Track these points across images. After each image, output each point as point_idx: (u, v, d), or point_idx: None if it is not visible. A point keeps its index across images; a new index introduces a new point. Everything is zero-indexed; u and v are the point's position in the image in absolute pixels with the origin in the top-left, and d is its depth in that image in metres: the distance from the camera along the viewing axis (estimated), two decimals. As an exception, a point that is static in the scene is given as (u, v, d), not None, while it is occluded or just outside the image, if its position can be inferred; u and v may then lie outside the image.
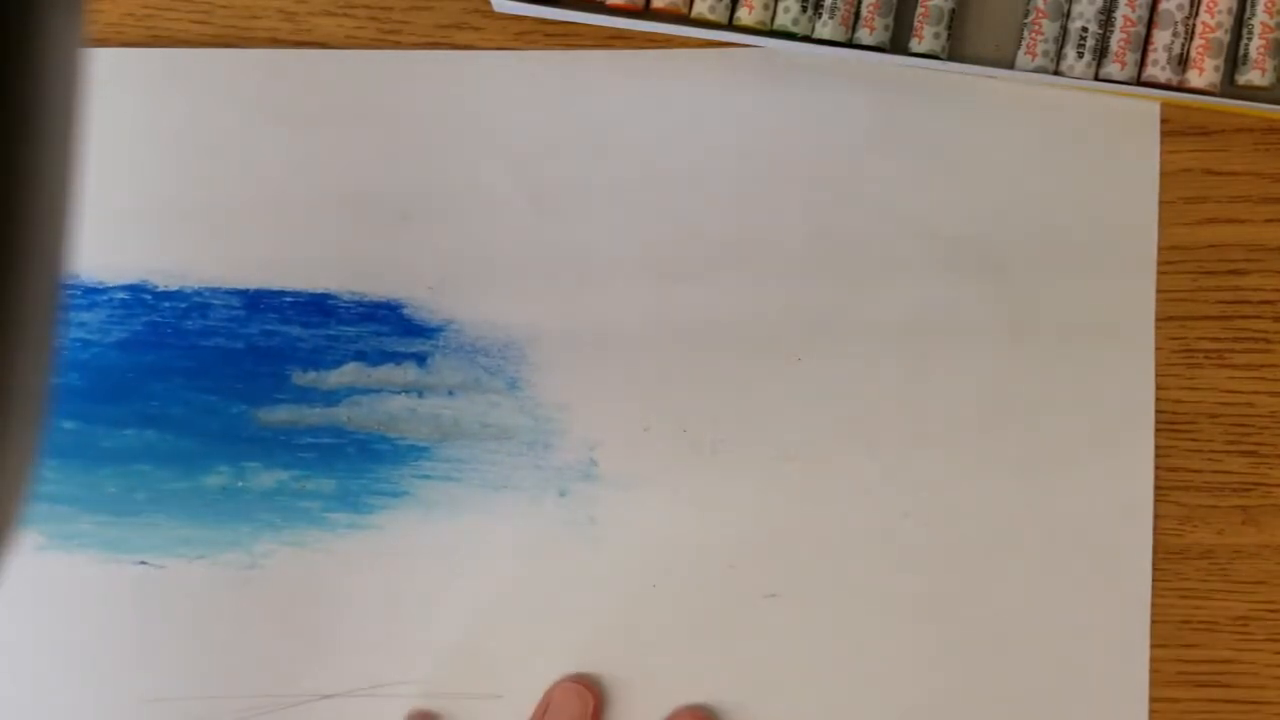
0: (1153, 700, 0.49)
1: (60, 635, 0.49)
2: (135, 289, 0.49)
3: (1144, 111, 0.48)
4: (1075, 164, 0.48)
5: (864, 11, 0.46)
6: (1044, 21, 0.46)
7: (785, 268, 0.49)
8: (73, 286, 0.49)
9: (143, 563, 0.49)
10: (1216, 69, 0.45)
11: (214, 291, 0.49)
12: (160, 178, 0.49)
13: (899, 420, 0.49)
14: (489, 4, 0.48)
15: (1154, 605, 0.49)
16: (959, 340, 0.49)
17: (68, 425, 0.49)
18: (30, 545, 0.49)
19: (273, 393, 0.49)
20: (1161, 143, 0.48)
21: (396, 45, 0.49)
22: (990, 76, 0.47)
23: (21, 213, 0.20)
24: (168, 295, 0.49)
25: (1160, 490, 0.49)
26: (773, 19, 0.46)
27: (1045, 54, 0.46)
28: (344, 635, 0.49)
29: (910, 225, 0.49)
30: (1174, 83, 0.46)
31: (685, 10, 0.46)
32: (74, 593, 0.49)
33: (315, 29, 0.49)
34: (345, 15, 0.49)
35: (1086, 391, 0.48)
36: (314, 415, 0.49)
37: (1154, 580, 0.49)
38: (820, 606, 0.49)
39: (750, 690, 0.49)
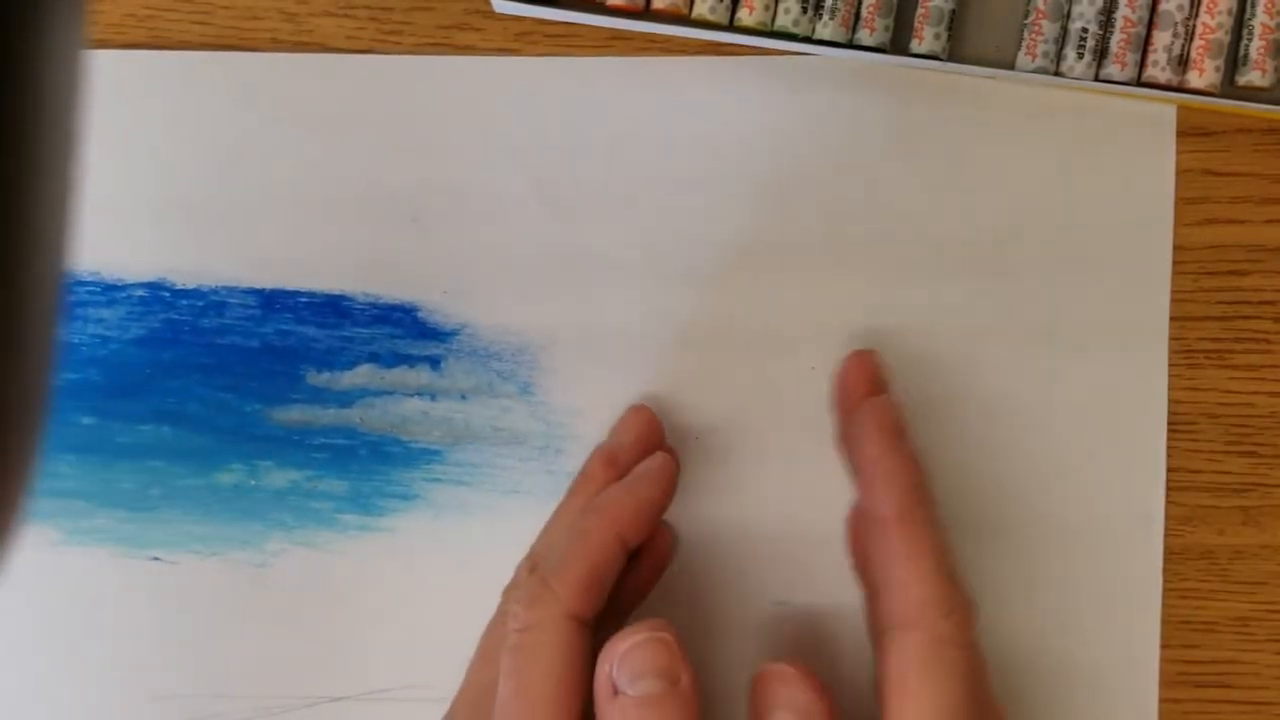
0: (1155, 701, 0.49)
1: (74, 629, 0.50)
2: (154, 286, 0.50)
3: (1158, 115, 0.48)
4: (1088, 168, 0.48)
5: (864, 13, 0.46)
6: (1044, 22, 0.46)
7: (798, 274, 0.49)
8: (93, 283, 0.49)
9: (156, 558, 0.50)
10: (1217, 70, 0.45)
11: (231, 290, 0.49)
12: (181, 178, 0.49)
13: (912, 428, 0.49)
14: (489, 5, 0.48)
15: (1156, 606, 0.49)
16: (971, 346, 0.49)
17: (86, 421, 0.49)
18: (46, 540, 0.49)
19: (287, 392, 0.49)
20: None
21: (397, 46, 0.49)
22: (990, 77, 0.47)
23: (22, 214, 0.21)
24: (186, 293, 0.49)
25: (1162, 491, 0.49)
26: (773, 20, 0.46)
27: (1045, 55, 0.46)
28: (353, 638, 0.49)
29: (925, 230, 0.48)
30: (1174, 83, 0.46)
31: (685, 11, 0.46)
32: (88, 587, 0.50)
33: (316, 30, 0.49)
34: (346, 16, 0.49)
35: (1100, 397, 0.48)
36: (327, 416, 0.49)
37: (1156, 582, 0.49)
38: (830, 613, 0.49)
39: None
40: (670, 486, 0.45)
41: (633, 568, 0.48)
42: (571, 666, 0.40)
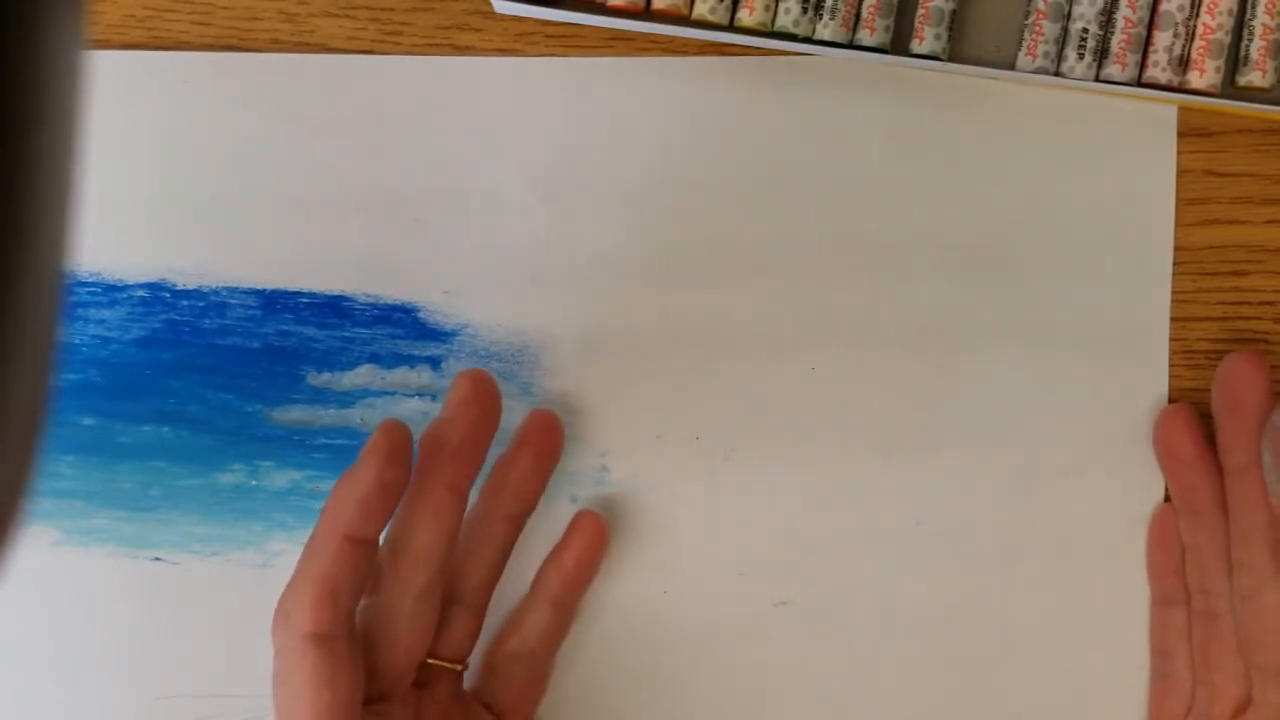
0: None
1: (74, 629, 0.50)
2: (155, 287, 0.50)
3: (1159, 115, 0.48)
4: (1088, 169, 0.48)
5: (864, 13, 0.46)
6: (1044, 23, 0.46)
7: (799, 274, 0.49)
8: (94, 284, 0.49)
9: (157, 559, 0.50)
10: (1217, 70, 0.45)
11: (232, 291, 0.50)
12: (181, 178, 0.49)
13: (912, 428, 0.49)
14: (489, 5, 0.48)
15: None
16: (972, 347, 0.49)
17: (87, 421, 0.49)
18: (46, 540, 0.49)
19: (288, 393, 0.50)
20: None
21: (397, 46, 0.49)
22: (991, 78, 0.47)
23: (22, 214, 0.21)
24: (186, 294, 0.49)
25: (1162, 491, 0.49)
26: (774, 20, 0.46)
27: (1046, 55, 0.46)
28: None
29: (925, 231, 0.48)
30: (1175, 84, 0.46)
31: (686, 12, 0.46)
32: (89, 587, 0.50)
33: (316, 30, 0.49)
34: (346, 17, 0.49)
35: (1100, 398, 0.48)
36: (328, 416, 0.49)
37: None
38: (831, 614, 0.49)
39: (760, 698, 0.49)
40: (389, 459, 0.42)
41: (557, 556, 0.48)
42: (322, 688, 0.41)
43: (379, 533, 0.42)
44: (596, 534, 0.48)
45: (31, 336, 0.21)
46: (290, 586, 0.42)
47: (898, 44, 0.47)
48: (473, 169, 0.49)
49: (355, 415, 0.49)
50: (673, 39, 0.48)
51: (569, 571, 0.48)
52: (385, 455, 0.42)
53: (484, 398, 0.45)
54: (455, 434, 0.44)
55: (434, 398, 0.49)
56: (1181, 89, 0.46)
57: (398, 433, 0.42)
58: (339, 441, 0.49)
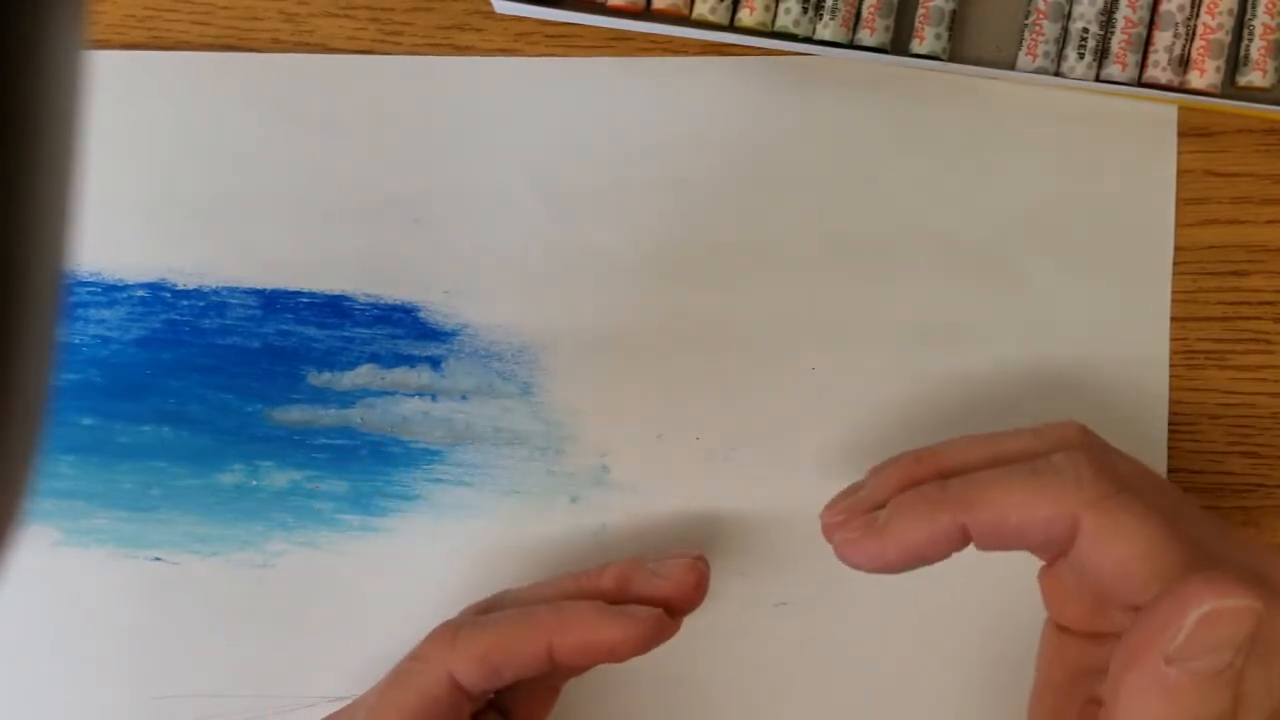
0: (1159, 701, 0.48)
1: (74, 629, 0.50)
2: (155, 287, 0.50)
3: (1159, 115, 0.48)
4: (1089, 169, 0.48)
5: (865, 13, 0.46)
6: (1045, 23, 0.46)
7: (799, 274, 0.49)
8: (94, 284, 0.49)
9: (157, 559, 0.50)
10: (1217, 70, 0.45)
11: (232, 291, 0.49)
12: (181, 178, 0.49)
13: (912, 428, 0.49)
14: (489, 5, 0.48)
15: (1158, 607, 0.48)
16: (972, 346, 0.49)
17: (86, 421, 0.49)
18: (46, 540, 0.49)
19: (288, 393, 0.49)
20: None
21: (397, 46, 0.49)
22: (991, 78, 0.47)
23: (22, 214, 0.21)
24: (186, 294, 0.49)
25: (1164, 492, 0.48)
26: (774, 20, 0.46)
27: (1046, 55, 0.46)
28: (354, 638, 0.49)
29: (925, 231, 0.48)
30: (1175, 84, 0.46)
31: (686, 12, 0.46)
32: (89, 587, 0.50)
33: (316, 30, 0.49)
34: (346, 17, 0.49)
35: (1100, 397, 0.48)
36: (328, 416, 0.49)
37: (1158, 582, 0.48)
38: (831, 614, 0.49)
39: (760, 698, 0.49)
40: (637, 640, 0.42)
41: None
42: (426, 712, 0.42)
43: (575, 667, 0.43)
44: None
45: (32, 336, 0.21)
46: (483, 624, 0.43)
47: (898, 44, 0.47)
48: (473, 169, 0.49)
49: (355, 415, 0.49)
50: (673, 39, 0.48)
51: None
52: (644, 634, 0.42)
53: (698, 587, 0.44)
54: (659, 587, 0.44)
55: (434, 398, 0.49)
56: (1181, 89, 0.46)
57: (666, 624, 0.43)
58: (339, 441, 0.49)
